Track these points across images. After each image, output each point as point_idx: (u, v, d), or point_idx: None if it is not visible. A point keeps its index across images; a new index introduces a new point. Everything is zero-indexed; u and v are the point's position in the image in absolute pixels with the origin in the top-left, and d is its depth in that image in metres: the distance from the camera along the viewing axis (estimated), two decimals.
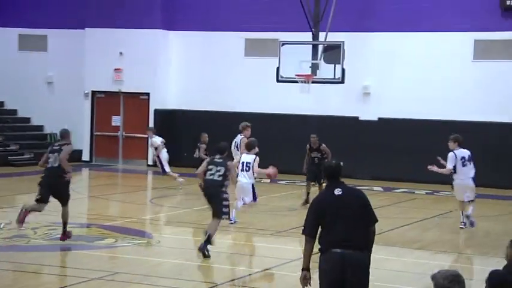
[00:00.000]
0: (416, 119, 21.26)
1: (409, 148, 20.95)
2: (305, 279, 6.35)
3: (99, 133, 24.57)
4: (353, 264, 6.16)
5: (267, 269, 10.39)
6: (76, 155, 20.86)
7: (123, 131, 24.39)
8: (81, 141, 23.51)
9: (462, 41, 21.11)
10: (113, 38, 23.94)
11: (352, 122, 21.89)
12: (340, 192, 6.39)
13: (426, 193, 19.13)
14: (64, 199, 11.29)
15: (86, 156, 24.37)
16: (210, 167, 11.11)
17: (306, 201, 15.77)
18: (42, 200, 11.21)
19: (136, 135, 24.15)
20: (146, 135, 23.56)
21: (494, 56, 20.90)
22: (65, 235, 11.39)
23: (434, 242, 12.79)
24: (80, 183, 19.98)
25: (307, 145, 16.59)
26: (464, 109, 21.00)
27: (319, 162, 15.93)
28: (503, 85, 20.80)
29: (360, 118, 22.09)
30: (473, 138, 20.68)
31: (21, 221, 11.20)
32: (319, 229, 6.35)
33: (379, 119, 21.87)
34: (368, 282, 6.27)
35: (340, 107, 22.19)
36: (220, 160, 11.14)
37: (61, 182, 11.15)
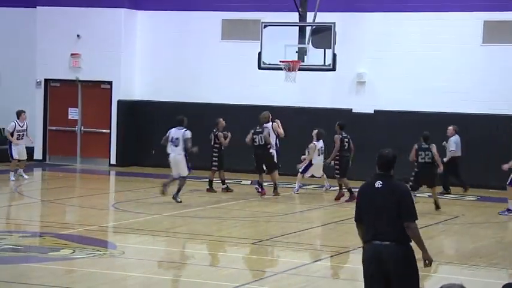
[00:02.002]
0: (417, 111, 21.36)
1: (409, 144, 21.02)
2: None
3: (53, 128, 24.45)
4: (391, 257, 7.07)
5: (247, 284, 10.41)
6: (27, 153, 20.76)
7: (81, 125, 24.29)
8: (33, 137, 23.35)
9: (470, 23, 21.21)
10: (69, 18, 23.80)
11: (344, 115, 21.92)
12: (379, 185, 7.21)
13: (429, 196, 19.25)
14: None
15: (38, 155, 24.24)
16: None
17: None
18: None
19: (96, 130, 24.06)
20: (108, 130, 23.50)
21: (507, 39, 21.03)
22: None
23: (438, 252, 12.87)
24: (31, 185, 19.90)
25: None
26: (473, 100, 21.11)
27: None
28: None
29: (354, 110, 22.15)
30: (482, 132, 20.87)
31: None
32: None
33: (375, 111, 21.94)
34: (413, 274, 7.17)
35: (331, 98, 22.24)
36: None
37: None
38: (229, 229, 14.50)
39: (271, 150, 18.38)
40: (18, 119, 20.00)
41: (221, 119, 19.06)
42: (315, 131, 18.73)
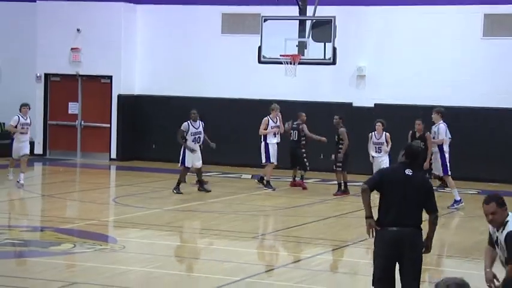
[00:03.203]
0: (418, 104, 21.34)
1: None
2: (370, 226, 7.65)
3: (53, 122, 24.45)
4: (410, 241, 7.51)
5: (248, 278, 10.42)
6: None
7: (81, 120, 24.28)
8: (33, 132, 23.33)
9: (470, 16, 21.21)
10: (69, 12, 23.79)
11: (345, 109, 21.93)
12: (410, 173, 7.61)
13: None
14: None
15: (38, 149, 24.25)
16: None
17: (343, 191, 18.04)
18: None
19: (97, 124, 24.07)
20: (108, 125, 23.47)
21: (508, 33, 21.01)
22: None
23: (439, 246, 12.88)
24: (32, 180, 19.89)
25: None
26: (473, 93, 21.11)
27: (336, 148, 18.01)
28: None
29: (354, 104, 22.15)
30: (483, 125, 20.87)
31: None
32: (380, 204, 7.62)
33: (376, 105, 21.94)
34: (421, 257, 7.69)
35: (331, 92, 22.23)
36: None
37: None
38: (230, 223, 14.51)
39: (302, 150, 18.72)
40: (20, 111, 19.71)
41: (303, 113, 19.01)
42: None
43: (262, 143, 18.80)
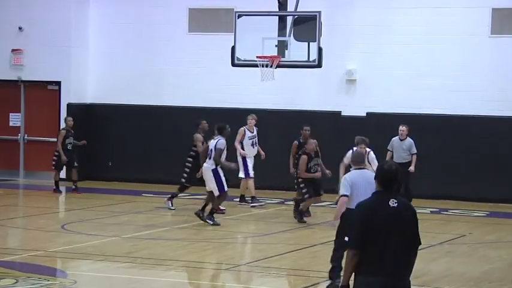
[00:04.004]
0: (416, 113, 21.45)
1: None
2: None
3: None
4: None
5: None
6: None
7: (24, 133, 24.16)
8: None
9: (476, 11, 21.37)
10: (8, 8, 23.71)
11: (332, 119, 22.01)
12: (395, 204, 6.94)
13: (431, 211, 19.32)
14: None
15: None
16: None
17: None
18: None
19: (43, 138, 23.94)
20: (56, 139, 23.32)
21: None
22: None
23: (443, 277, 12.91)
24: None
25: (295, 141, 18.21)
26: (480, 100, 21.24)
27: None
28: None
29: (343, 113, 22.22)
30: (491, 137, 20.99)
31: None
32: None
33: (368, 114, 22.02)
34: None
35: (317, 99, 22.28)
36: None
37: None
38: (200, 253, 14.47)
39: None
40: None
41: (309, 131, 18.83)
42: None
43: (239, 157, 19.05)
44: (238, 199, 19.49)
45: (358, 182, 10.90)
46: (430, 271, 13.19)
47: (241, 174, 19.27)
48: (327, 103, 22.15)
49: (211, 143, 16.83)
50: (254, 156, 19.62)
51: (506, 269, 13.50)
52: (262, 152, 19.64)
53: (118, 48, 23.83)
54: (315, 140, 17.56)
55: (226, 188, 16.73)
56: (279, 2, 19.09)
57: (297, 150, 18.11)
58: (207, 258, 14.07)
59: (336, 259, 11.60)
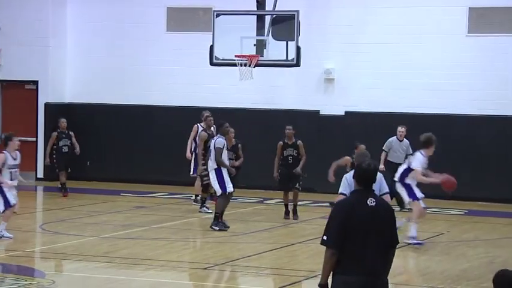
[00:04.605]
0: (395, 112, 21.50)
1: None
2: None
3: None
4: None
5: None
6: None
7: (1, 133, 24.02)
8: None
9: (453, 10, 21.44)
10: None
11: (311, 118, 22.03)
12: (373, 204, 6.96)
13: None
14: None
15: None
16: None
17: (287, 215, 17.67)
18: None
19: (20, 138, 23.71)
20: (33, 139, 23.20)
21: (496, 29, 21.28)
22: None
23: (421, 275, 12.95)
24: None
25: (280, 142, 17.86)
26: (457, 99, 21.32)
27: (294, 163, 17.49)
28: (507, 67, 21.16)
29: (322, 112, 22.24)
30: (468, 136, 21.08)
31: None
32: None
33: (347, 113, 22.06)
34: None
35: (296, 98, 22.29)
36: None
37: None
38: (179, 252, 14.45)
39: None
40: None
41: None
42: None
43: (192, 155, 18.89)
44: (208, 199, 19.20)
45: None
46: (408, 269, 13.24)
47: (194, 173, 19.03)
48: (305, 102, 22.17)
49: (211, 143, 16.50)
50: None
51: (484, 267, 13.56)
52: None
53: (96, 48, 23.75)
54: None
55: (229, 189, 16.17)
56: (257, 1, 19.11)
57: (282, 150, 17.81)
58: (186, 258, 14.05)
59: None
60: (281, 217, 17.98)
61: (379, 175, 10.81)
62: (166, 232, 16.38)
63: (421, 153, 15.13)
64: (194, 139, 19.05)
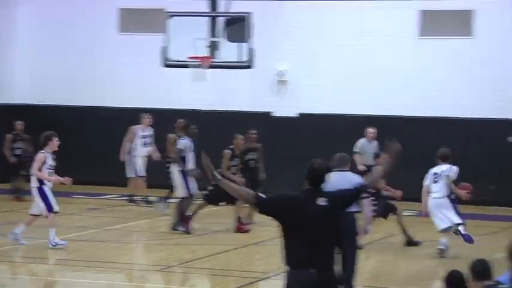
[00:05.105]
0: (349, 114, 21.63)
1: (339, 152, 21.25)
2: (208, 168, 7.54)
3: None
4: (329, 286, 7.14)
5: None
6: None
7: None
8: None
9: (404, 12, 21.62)
10: None
11: (263, 120, 22.05)
12: (324, 203, 7.11)
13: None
14: None
15: None
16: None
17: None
18: None
19: None
20: None
21: (447, 32, 21.48)
22: None
23: (372, 276, 13.03)
24: None
25: (228, 150, 16.80)
26: (409, 101, 21.50)
27: (256, 167, 17.15)
28: (459, 69, 21.39)
29: (274, 114, 22.29)
30: (422, 137, 21.28)
31: None
32: (285, 239, 7.16)
33: (300, 115, 22.13)
34: None
35: (248, 100, 22.32)
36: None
37: None
38: (132, 254, 14.40)
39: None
40: None
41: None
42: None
43: (128, 156, 19.34)
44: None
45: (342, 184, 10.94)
46: (361, 270, 13.30)
47: (130, 174, 19.48)
48: (258, 104, 22.21)
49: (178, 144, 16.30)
50: (147, 156, 19.68)
51: (436, 267, 13.68)
52: (156, 154, 19.46)
53: (48, 48, 23.57)
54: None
55: (190, 191, 15.97)
56: (210, 2, 19.13)
57: (233, 159, 16.69)
58: (139, 260, 14.00)
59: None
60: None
61: (351, 176, 10.90)
62: (119, 234, 16.31)
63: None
64: (131, 140, 19.48)
